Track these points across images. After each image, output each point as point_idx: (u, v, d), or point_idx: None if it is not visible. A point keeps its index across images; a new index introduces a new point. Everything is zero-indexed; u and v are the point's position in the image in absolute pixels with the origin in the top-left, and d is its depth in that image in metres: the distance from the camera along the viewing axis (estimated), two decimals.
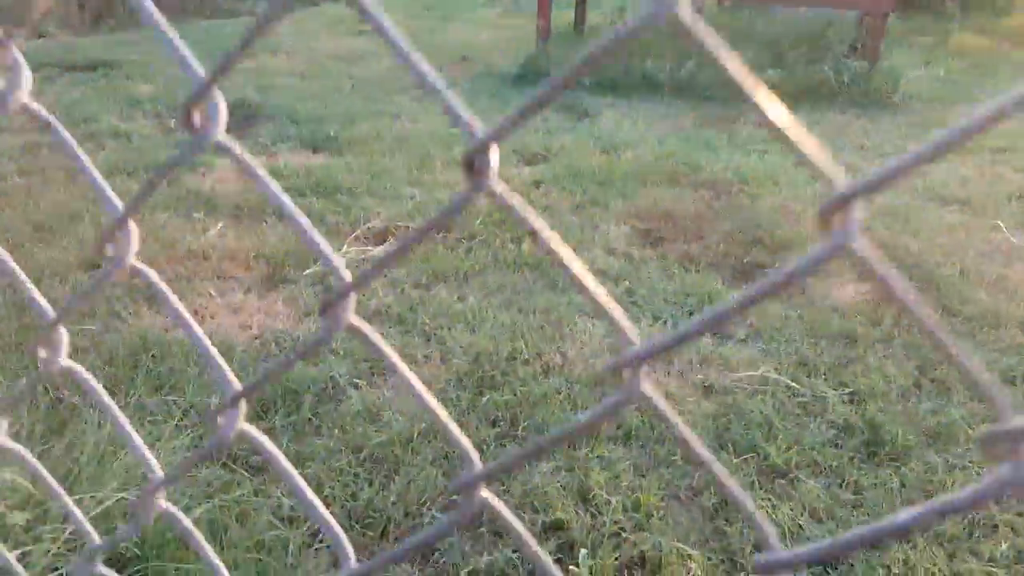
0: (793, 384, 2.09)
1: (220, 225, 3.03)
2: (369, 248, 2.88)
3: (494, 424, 1.95)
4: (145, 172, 3.59)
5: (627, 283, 2.65)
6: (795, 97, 5.33)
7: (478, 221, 3.07)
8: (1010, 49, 7.55)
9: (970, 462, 1.83)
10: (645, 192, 3.48)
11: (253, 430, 0.47)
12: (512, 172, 3.72)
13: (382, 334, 2.30)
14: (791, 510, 1.68)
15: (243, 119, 4.48)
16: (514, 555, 1.53)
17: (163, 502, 0.55)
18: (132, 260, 0.47)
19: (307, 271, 2.67)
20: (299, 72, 5.78)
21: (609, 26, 7.06)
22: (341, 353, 2.21)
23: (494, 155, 0.33)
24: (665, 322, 2.40)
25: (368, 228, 3.02)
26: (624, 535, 1.60)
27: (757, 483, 1.76)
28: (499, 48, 7.12)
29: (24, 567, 0.92)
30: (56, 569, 1.31)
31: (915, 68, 5.66)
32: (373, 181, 3.50)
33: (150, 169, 3.62)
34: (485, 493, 0.40)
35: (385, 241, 2.95)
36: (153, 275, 0.48)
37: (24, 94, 0.46)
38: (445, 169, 3.71)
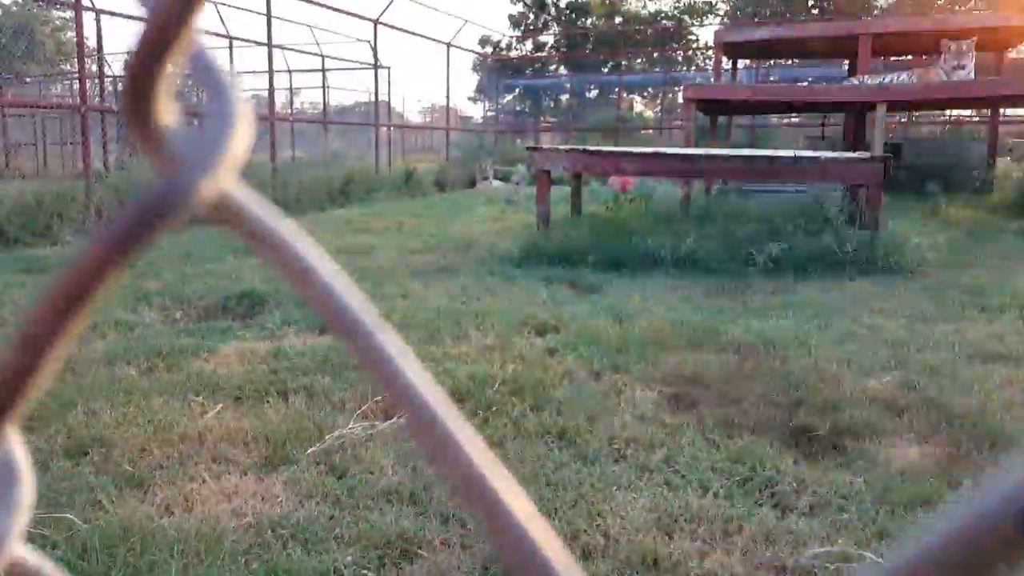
0: (880, 560, 1.79)
1: (219, 407, 2.82)
2: (377, 423, 2.65)
3: None
4: (145, 359, 3.44)
5: (665, 450, 2.39)
6: (802, 267, 5.34)
7: (492, 389, 2.87)
8: (1000, 219, 7.74)
9: None
10: (667, 357, 3.31)
11: None
12: (523, 342, 3.57)
13: (392, 519, 2.03)
14: None
15: (250, 307, 4.41)
16: None
17: None
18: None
19: (311, 449, 2.43)
20: None
21: (606, 211, 7.28)
22: (346, 538, 1.92)
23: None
24: (716, 493, 2.12)
25: (376, 402, 2.81)
26: None
27: None
28: (500, 236, 7.28)
29: None
30: None
31: (915, 236, 5.72)
32: None
33: (150, 356, 3.47)
34: None
35: (395, 416, 2.72)
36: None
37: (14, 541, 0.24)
38: (456, 343, 3.57)
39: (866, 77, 9.80)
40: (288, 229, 0.25)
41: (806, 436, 2.51)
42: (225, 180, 0.24)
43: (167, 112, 0.25)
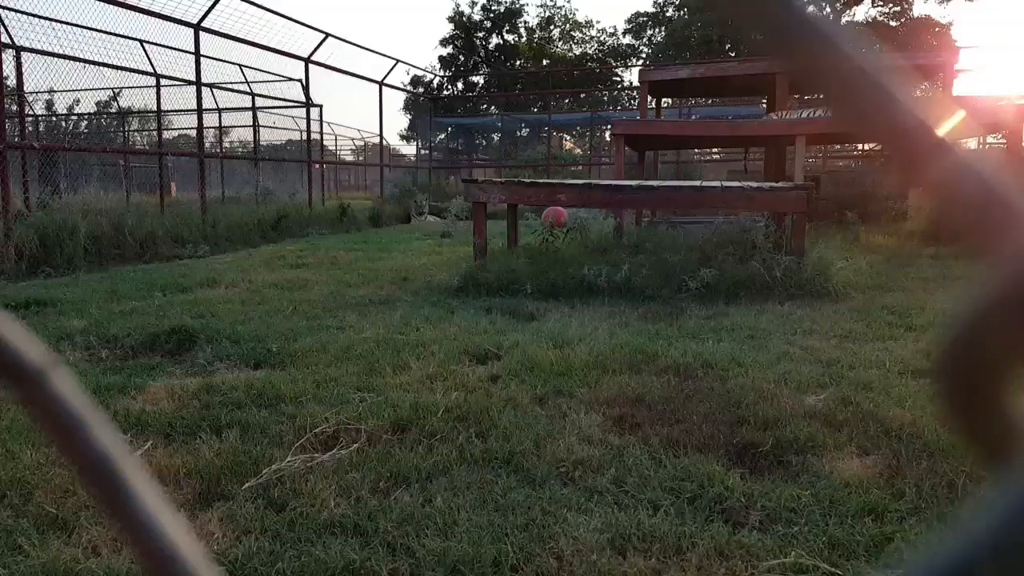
0: (833, 569, 1.80)
1: (148, 444, 2.67)
2: (317, 455, 2.56)
3: None
4: None
5: (613, 471, 2.37)
6: (733, 292, 5.47)
7: (436, 417, 2.81)
8: (916, 246, 8.13)
9: None
10: (608, 380, 3.31)
11: None
12: (464, 370, 3.53)
13: (336, 551, 1.94)
14: None
15: (178, 344, 4.22)
16: None
17: None
18: None
19: (247, 484, 2.32)
20: (239, 300, 5.65)
21: (540, 243, 7.33)
22: (288, 573, 1.82)
23: None
24: (667, 511, 2.11)
25: (315, 434, 2.71)
26: None
27: None
28: (437, 268, 7.24)
29: None
30: None
31: (839, 261, 5.94)
32: (319, 389, 3.24)
33: None
34: None
35: (336, 447, 2.63)
36: None
37: None
38: (396, 373, 3.49)
39: (784, 113, 10.25)
40: (41, 355, 0.24)
41: (750, 452, 2.54)
42: None
43: None
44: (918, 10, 33.80)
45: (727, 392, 3.14)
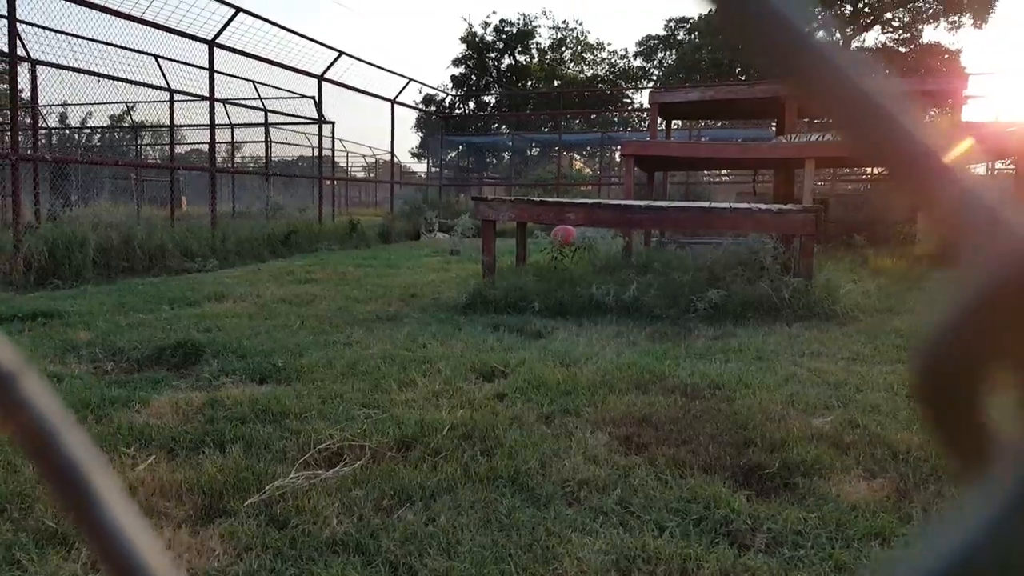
0: None
1: (151, 459, 2.66)
2: (320, 472, 2.55)
3: None
4: (72, 412, 3.23)
5: (619, 491, 2.35)
6: (741, 313, 5.45)
7: (441, 435, 2.80)
8: (925, 268, 8.09)
9: None
10: (615, 400, 3.30)
11: None
12: (471, 388, 3.51)
13: (338, 570, 1.93)
14: None
15: (184, 357, 4.23)
16: None
17: None
18: None
19: (249, 500, 2.31)
20: (247, 314, 5.66)
21: (549, 262, 7.33)
22: None
23: None
24: (672, 533, 2.09)
25: (319, 451, 2.70)
26: None
27: None
28: (445, 285, 7.25)
29: None
30: None
31: (847, 283, 5.92)
32: (324, 405, 3.23)
33: (78, 408, 3.28)
34: None
35: (339, 463, 2.62)
36: None
37: None
38: (402, 389, 3.48)
39: (793, 136, 10.26)
40: (13, 359, 0.24)
41: (757, 474, 2.51)
42: None
43: None
44: (928, 37, 33.97)
45: (734, 413, 3.12)
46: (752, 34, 0.20)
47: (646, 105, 15.39)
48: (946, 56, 31.46)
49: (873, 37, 33.43)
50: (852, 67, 0.20)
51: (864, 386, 3.55)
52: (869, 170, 18.85)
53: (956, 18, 31.04)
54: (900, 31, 32.75)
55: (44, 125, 15.74)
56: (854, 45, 33.26)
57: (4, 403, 0.23)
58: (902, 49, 32.40)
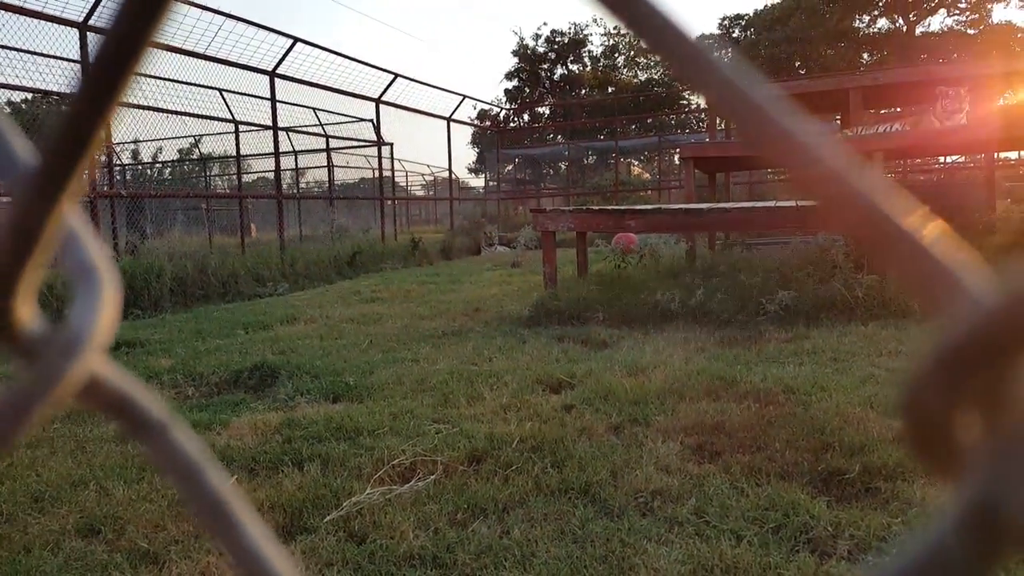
0: None
1: (233, 479, 2.76)
2: (395, 487, 2.59)
3: None
4: None
5: (693, 501, 2.32)
6: (813, 314, 5.31)
7: (511, 448, 2.81)
8: (1005, 259, 7.72)
9: None
10: (686, 407, 3.25)
11: None
12: (538, 400, 3.52)
13: None
14: None
15: (260, 379, 4.37)
16: None
17: None
18: None
19: (328, 517, 2.36)
20: (317, 335, 5.81)
21: (611, 270, 7.29)
22: None
23: None
24: (750, 542, 2.05)
25: (393, 466, 2.75)
26: None
27: None
28: (508, 298, 7.28)
29: None
30: None
31: None
32: (395, 421, 3.29)
33: None
34: None
35: (413, 479, 2.66)
36: None
37: None
38: (470, 404, 3.52)
39: (860, 129, 9.96)
40: (163, 411, 0.26)
41: (836, 479, 2.44)
42: (94, 362, 0.24)
43: (27, 304, 0.24)
44: (998, 16, 32.51)
45: (810, 417, 3.04)
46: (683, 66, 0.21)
47: (704, 106, 15.18)
48: (1020, 35, 30.08)
49: (939, 21, 32.26)
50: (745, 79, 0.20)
51: None
52: (942, 159, 18.14)
53: None
54: (967, 12, 31.48)
55: (119, 162, 16.53)
56: (918, 30, 32.12)
57: (162, 449, 0.25)
58: (970, 31, 31.13)
